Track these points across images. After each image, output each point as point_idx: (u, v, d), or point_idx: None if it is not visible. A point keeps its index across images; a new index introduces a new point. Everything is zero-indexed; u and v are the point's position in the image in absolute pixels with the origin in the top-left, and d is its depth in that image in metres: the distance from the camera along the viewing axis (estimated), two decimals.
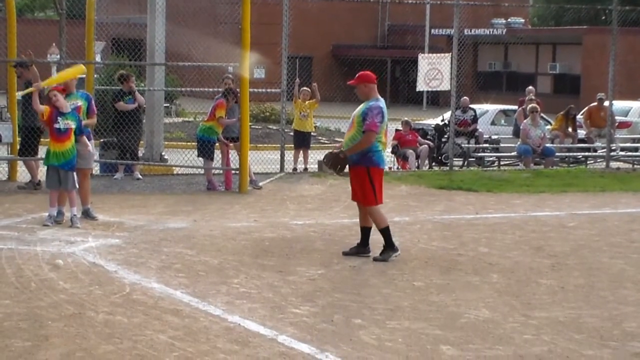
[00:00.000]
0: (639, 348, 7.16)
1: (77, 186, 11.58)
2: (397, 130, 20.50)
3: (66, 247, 10.14)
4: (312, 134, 19.91)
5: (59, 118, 11.42)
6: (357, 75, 10.23)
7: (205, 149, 15.16)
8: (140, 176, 16.04)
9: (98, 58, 22.82)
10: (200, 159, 15.61)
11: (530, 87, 22.93)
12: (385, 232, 10.07)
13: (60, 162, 11.39)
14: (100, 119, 16.82)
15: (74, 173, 11.49)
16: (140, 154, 16.74)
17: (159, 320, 7.50)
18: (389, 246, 10.07)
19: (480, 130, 21.66)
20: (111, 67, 20.87)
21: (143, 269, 9.27)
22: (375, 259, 10.00)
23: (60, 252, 9.87)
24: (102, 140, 16.71)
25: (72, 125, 11.47)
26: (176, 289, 8.51)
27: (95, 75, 17.52)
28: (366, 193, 10.02)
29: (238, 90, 15.08)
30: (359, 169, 9.97)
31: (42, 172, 15.18)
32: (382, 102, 10.04)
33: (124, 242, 10.56)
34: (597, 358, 6.89)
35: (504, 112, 24.68)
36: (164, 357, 6.58)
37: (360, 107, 10.03)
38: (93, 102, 12.32)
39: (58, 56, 16.57)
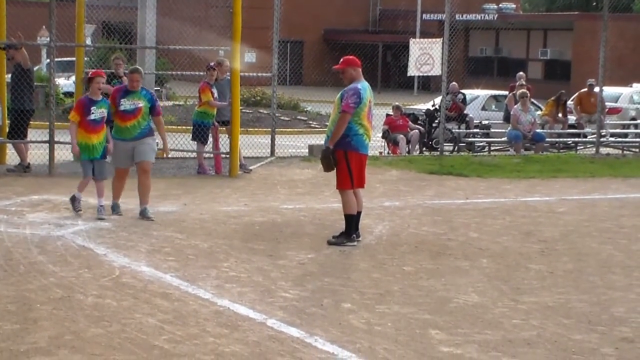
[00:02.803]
0: (627, 333, 7.19)
1: (108, 175, 11.16)
2: (388, 115, 20.51)
3: (55, 230, 10.12)
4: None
5: (92, 108, 10.83)
6: (342, 59, 10.19)
7: (199, 133, 15.14)
8: None
9: (88, 41, 22.77)
10: (192, 143, 15.58)
11: (521, 73, 22.93)
12: (349, 219, 10.02)
13: (98, 154, 10.95)
14: None
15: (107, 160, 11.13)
16: None
17: (148, 303, 7.50)
18: (347, 234, 10.01)
19: (470, 115, 21.67)
20: (101, 50, 20.81)
21: (133, 253, 9.26)
22: (329, 242, 9.97)
23: (50, 235, 9.85)
24: None
25: (105, 112, 10.94)
26: (166, 273, 8.51)
27: (85, 59, 17.45)
28: (341, 176, 9.96)
29: (210, 63, 15.14)
30: (338, 152, 9.90)
31: (31, 155, 15.16)
32: (362, 84, 9.94)
33: (114, 225, 10.54)
34: (585, 342, 6.92)
35: (495, 97, 24.70)
36: (153, 340, 6.58)
37: (341, 91, 10.02)
38: (158, 102, 11.41)
39: (48, 39, 16.49)
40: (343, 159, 9.90)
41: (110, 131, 11.14)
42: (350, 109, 9.78)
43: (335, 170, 10.02)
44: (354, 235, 10.04)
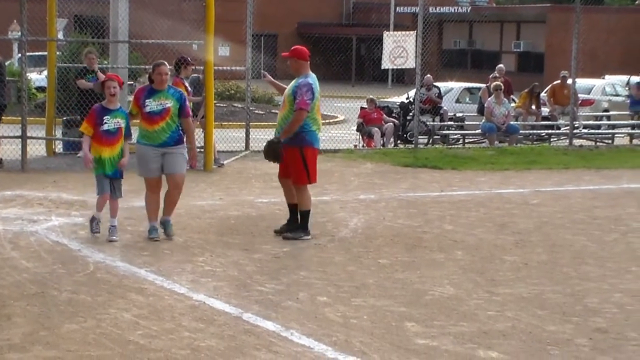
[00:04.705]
0: (601, 323, 7.24)
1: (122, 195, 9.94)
2: (362, 108, 20.53)
3: (29, 226, 10.05)
4: None
5: (105, 117, 9.48)
6: (292, 48, 10.12)
7: None
8: None
9: (60, 35, 22.58)
10: None
11: (501, 66, 22.91)
12: (305, 215, 9.92)
13: (114, 170, 9.60)
14: (63, 96, 16.71)
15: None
16: None
17: (123, 298, 7.47)
18: (303, 227, 9.90)
19: (445, 108, 21.73)
20: (74, 44, 20.65)
21: (107, 248, 9.21)
22: (285, 237, 9.84)
23: (23, 231, 9.78)
24: (65, 118, 16.56)
25: (122, 123, 9.59)
26: (140, 268, 8.48)
27: (57, 53, 17.32)
28: (298, 173, 9.88)
29: (186, 57, 15.04)
30: (292, 149, 9.80)
31: (3, 150, 15.04)
32: (312, 79, 9.83)
33: (88, 220, 10.45)
34: (560, 333, 6.96)
35: (469, 90, 24.78)
36: (128, 335, 6.56)
37: (291, 85, 9.89)
38: (187, 102, 9.99)
39: (19, 33, 16.36)
40: (299, 155, 9.80)
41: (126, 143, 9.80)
42: (308, 106, 9.70)
43: (280, 163, 9.95)
44: (308, 230, 9.93)
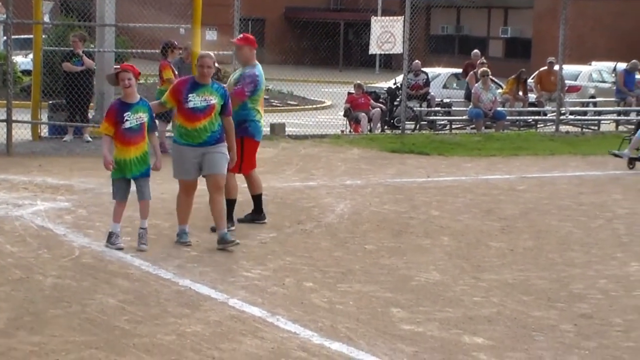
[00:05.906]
0: (585, 309, 7.27)
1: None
2: (349, 93, 20.49)
3: (14, 210, 10.01)
4: None
5: (126, 114, 8.57)
6: (242, 35, 9.97)
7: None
8: (90, 138, 15.86)
9: (46, 18, 22.46)
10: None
11: (476, 51, 22.86)
12: (230, 205, 9.49)
13: (140, 171, 8.74)
14: (49, 80, 16.62)
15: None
16: (90, 116, 16.55)
17: (109, 284, 7.45)
18: (229, 219, 9.38)
19: (432, 93, 21.71)
20: (60, 27, 20.53)
21: (93, 233, 9.19)
22: (212, 228, 9.26)
23: (8, 215, 9.74)
24: (51, 101, 16.50)
25: (145, 117, 8.66)
26: (126, 253, 8.46)
27: (43, 36, 17.22)
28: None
29: (173, 42, 14.99)
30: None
31: None
32: (258, 69, 9.67)
33: (73, 205, 10.45)
34: (545, 319, 6.99)
35: (456, 75, 24.74)
36: (113, 321, 6.54)
37: (236, 73, 9.76)
38: (230, 100, 9.05)
39: (5, 16, 16.26)
40: (238, 145, 9.42)
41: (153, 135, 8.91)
42: (244, 97, 9.50)
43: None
44: (234, 222, 9.65)
